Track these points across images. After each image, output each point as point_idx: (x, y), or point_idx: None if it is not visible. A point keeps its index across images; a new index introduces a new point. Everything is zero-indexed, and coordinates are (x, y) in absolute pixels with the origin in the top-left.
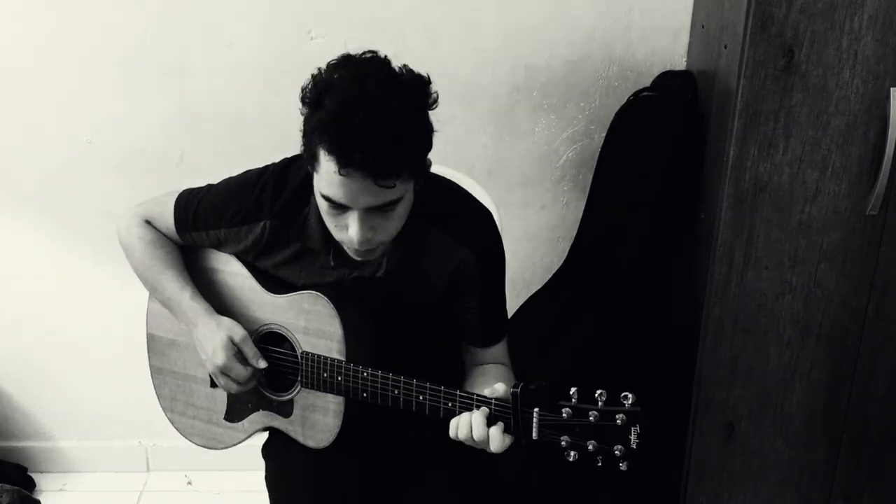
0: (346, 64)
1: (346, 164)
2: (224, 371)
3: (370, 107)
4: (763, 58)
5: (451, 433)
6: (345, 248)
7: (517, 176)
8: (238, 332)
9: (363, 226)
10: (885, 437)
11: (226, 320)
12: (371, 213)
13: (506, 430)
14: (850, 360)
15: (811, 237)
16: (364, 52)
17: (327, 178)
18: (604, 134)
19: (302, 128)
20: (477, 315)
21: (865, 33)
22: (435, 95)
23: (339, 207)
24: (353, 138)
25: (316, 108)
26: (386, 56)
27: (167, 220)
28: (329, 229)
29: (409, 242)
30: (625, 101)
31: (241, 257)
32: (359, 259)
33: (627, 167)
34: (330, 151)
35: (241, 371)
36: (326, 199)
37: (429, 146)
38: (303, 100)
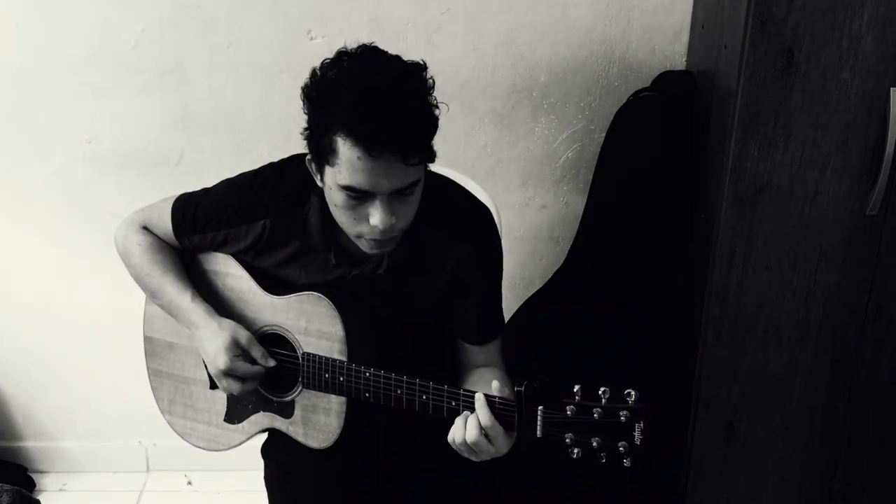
0: (347, 57)
1: (375, 145)
2: (228, 373)
3: (388, 89)
4: (763, 58)
5: (450, 438)
6: (361, 242)
7: (517, 176)
8: (243, 334)
9: (387, 211)
10: (885, 437)
11: (228, 322)
12: (393, 198)
13: (509, 428)
14: (850, 360)
15: (811, 237)
16: (357, 47)
17: (349, 166)
18: (604, 134)
19: (307, 126)
20: (475, 312)
21: (865, 33)
22: (431, 81)
23: (361, 197)
24: (380, 120)
25: (329, 101)
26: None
27: (165, 224)
28: (343, 225)
29: (410, 239)
30: (625, 101)
31: (241, 257)
32: (375, 252)
33: (627, 167)
34: (356, 137)
35: (246, 369)
36: (348, 188)
37: (437, 126)
38: (308, 98)
